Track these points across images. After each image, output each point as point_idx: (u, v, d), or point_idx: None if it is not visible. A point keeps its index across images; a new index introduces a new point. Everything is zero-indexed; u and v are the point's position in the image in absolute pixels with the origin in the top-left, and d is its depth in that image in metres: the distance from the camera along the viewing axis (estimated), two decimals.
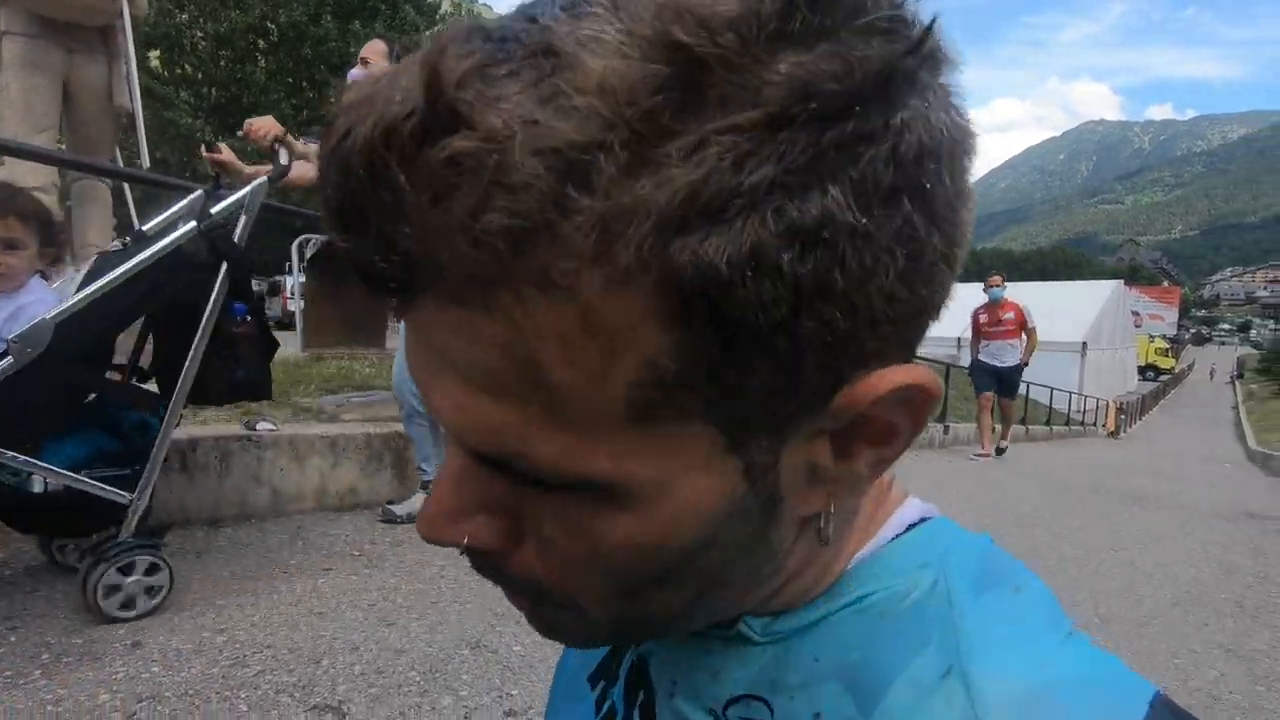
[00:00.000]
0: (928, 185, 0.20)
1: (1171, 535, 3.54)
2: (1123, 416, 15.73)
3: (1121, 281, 30.57)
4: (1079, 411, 16.35)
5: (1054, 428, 11.81)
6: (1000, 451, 6.38)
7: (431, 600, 1.73)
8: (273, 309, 21.00)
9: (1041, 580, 0.28)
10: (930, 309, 0.22)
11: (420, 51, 0.19)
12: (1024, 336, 6.40)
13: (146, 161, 3.12)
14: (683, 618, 0.27)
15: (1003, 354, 6.46)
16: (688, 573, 0.25)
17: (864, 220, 0.19)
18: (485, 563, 0.27)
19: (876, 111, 0.18)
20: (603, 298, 0.18)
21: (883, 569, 0.28)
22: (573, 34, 0.18)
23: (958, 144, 0.21)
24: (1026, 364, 6.48)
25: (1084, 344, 20.45)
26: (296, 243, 6.44)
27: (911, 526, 0.29)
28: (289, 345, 5.08)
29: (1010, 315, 6.42)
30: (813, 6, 0.18)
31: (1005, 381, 6.50)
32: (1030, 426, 10.58)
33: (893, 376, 0.22)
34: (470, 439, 0.23)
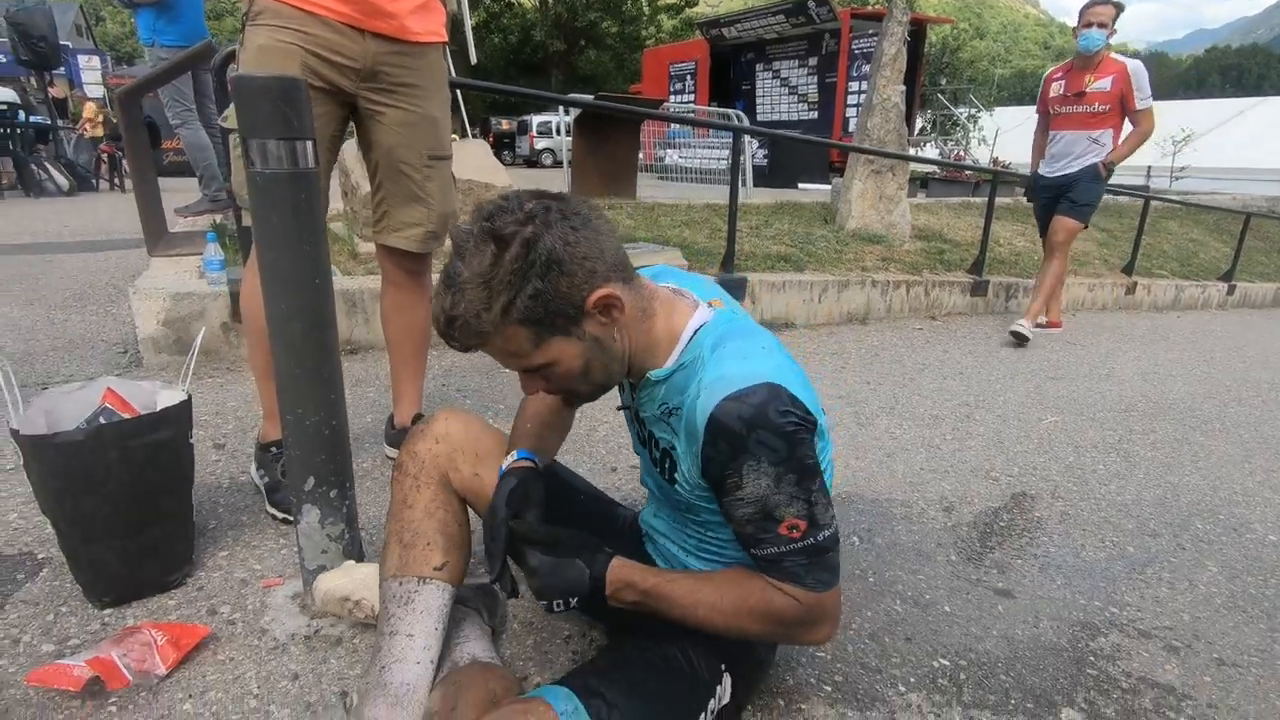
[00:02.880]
0: (553, 267, 0.83)
1: None
2: None
3: None
4: None
5: None
6: (1018, 338, 3.88)
7: None
8: (521, 147, 23.16)
9: (750, 342, 0.91)
10: (591, 277, 0.85)
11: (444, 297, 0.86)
12: (1122, 127, 3.78)
13: (474, 58, 3.92)
14: (613, 377, 0.96)
15: (1073, 153, 3.86)
16: (592, 368, 0.91)
17: (540, 284, 0.83)
18: (539, 389, 0.95)
19: (529, 257, 0.82)
20: (510, 328, 0.84)
21: (683, 356, 0.92)
22: (461, 274, 0.83)
23: (564, 246, 0.83)
24: (1111, 167, 3.83)
25: None
26: (561, 108, 7.21)
27: (699, 327, 0.94)
28: None
29: (1104, 84, 3.69)
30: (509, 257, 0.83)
31: (1068, 193, 3.90)
32: None
33: (593, 294, 0.85)
34: (518, 365, 0.89)
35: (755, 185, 8.55)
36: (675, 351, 0.93)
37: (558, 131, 17.81)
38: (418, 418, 1.87)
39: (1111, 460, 2.37)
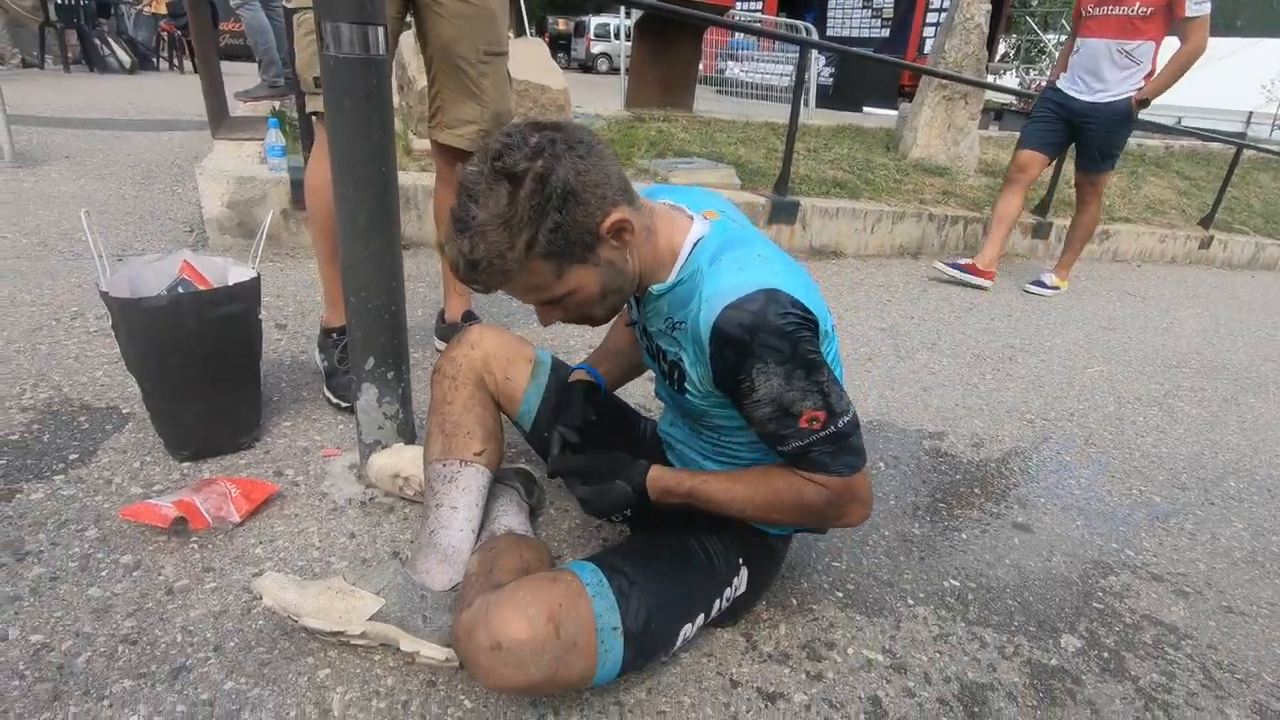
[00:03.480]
0: (569, 198, 0.84)
1: None
2: None
3: None
4: None
5: None
6: (1044, 286, 3.60)
7: None
8: (577, 50, 22.28)
9: (745, 251, 0.92)
10: (603, 203, 0.87)
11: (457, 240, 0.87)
12: (1162, 40, 3.09)
13: None
14: (625, 298, 0.97)
15: (1099, 69, 3.16)
16: (608, 291, 0.93)
17: (559, 216, 0.84)
18: (556, 319, 0.96)
19: (544, 192, 0.83)
20: (533, 263, 0.85)
21: (683, 271, 0.94)
22: (477, 217, 0.84)
23: (576, 176, 0.84)
24: (1146, 103, 3.14)
25: None
26: (623, 9, 6.90)
27: (697, 241, 0.97)
28: (614, 103, 5.88)
29: None
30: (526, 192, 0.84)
31: (1086, 136, 3.29)
32: None
33: (606, 220, 0.87)
34: (539, 299, 0.92)
35: (818, 106, 8.18)
36: (676, 266, 0.96)
37: (616, 35, 17.08)
38: (468, 315, 1.94)
39: (1152, 413, 2.34)
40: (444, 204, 1.85)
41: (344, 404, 1.60)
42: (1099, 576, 1.45)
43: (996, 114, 10.75)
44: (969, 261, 3.51)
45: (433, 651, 0.98)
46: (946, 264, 3.51)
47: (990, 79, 4.69)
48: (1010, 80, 17.16)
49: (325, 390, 1.68)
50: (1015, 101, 11.19)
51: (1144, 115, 3.43)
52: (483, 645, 0.85)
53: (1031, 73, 18.76)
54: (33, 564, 1.11)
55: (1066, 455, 1.97)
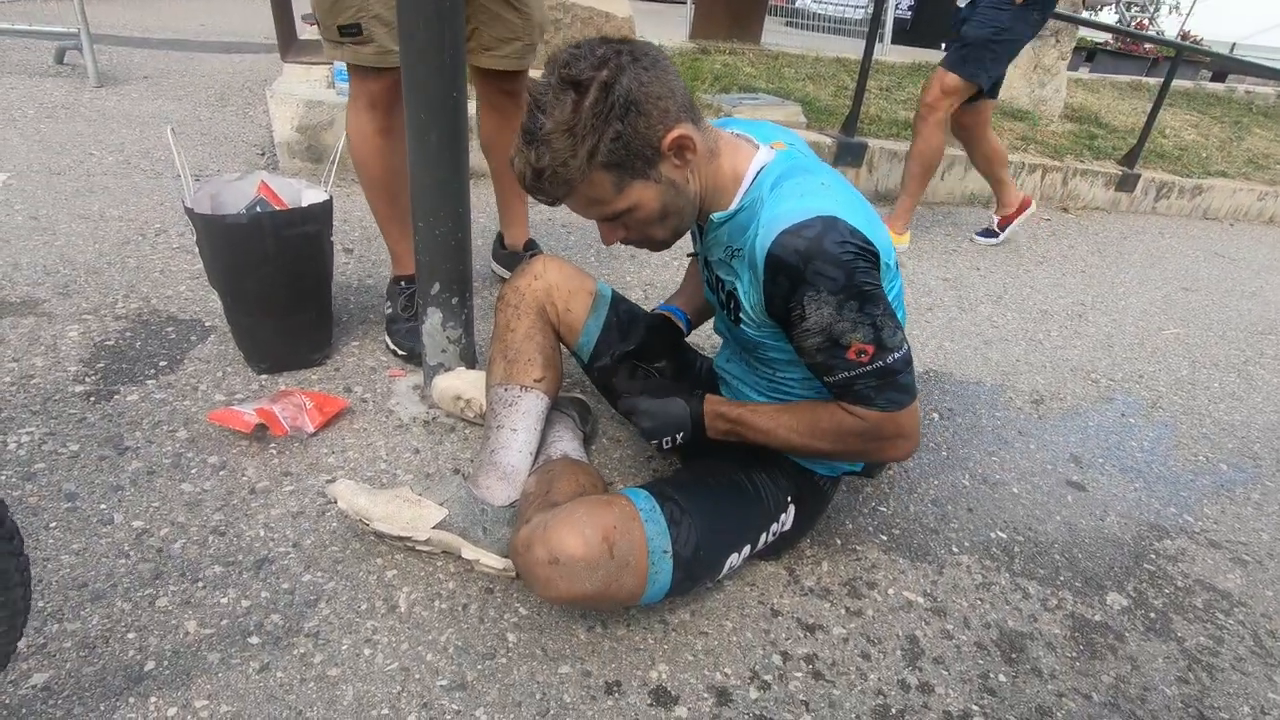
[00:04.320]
0: (632, 108, 0.83)
1: None
2: None
3: None
4: None
5: None
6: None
7: None
8: None
9: (808, 179, 0.92)
10: (665, 117, 0.87)
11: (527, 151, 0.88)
12: None
13: None
14: (686, 220, 0.97)
15: None
16: (668, 211, 0.92)
17: (620, 125, 0.83)
18: (619, 238, 0.97)
19: (608, 100, 0.84)
20: (595, 173, 0.85)
21: (745, 198, 0.92)
22: (544, 126, 0.84)
23: (639, 87, 0.85)
24: None
25: None
26: None
27: (760, 169, 0.91)
28: (679, 34, 5.67)
29: None
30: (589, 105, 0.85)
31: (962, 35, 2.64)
32: None
33: (668, 134, 0.87)
34: (600, 214, 0.91)
35: (893, 43, 7.71)
36: (739, 193, 0.95)
37: None
38: (530, 244, 1.96)
39: (1229, 380, 2.23)
40: (493, 131, 1.82)
41: (400, 351, 1.60)
42: (1153, 539, 1.43)
43: (1088, 54, 9.95)
44: (1003, 215, 3.12)
45: (492, 561, 1.05)
46: (981, 234, 3.18)
47: (1085, 15, 4.34)
48: (1108, 16, 15.73)
49: (385, 335, 1.67)
50: (1111, 40, 10.33)
51: (1251, 56, 2.95)
52: (540, 559, 0.90)
53: (1132, 9, 17.16)
54: (132, 459, 1.21)
55: (1131, 417, 1.91)
